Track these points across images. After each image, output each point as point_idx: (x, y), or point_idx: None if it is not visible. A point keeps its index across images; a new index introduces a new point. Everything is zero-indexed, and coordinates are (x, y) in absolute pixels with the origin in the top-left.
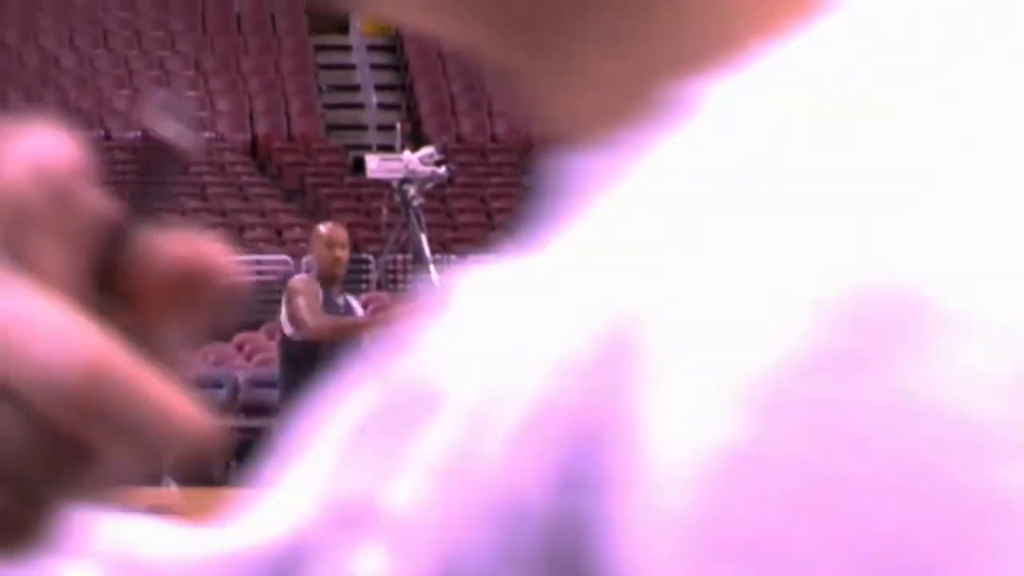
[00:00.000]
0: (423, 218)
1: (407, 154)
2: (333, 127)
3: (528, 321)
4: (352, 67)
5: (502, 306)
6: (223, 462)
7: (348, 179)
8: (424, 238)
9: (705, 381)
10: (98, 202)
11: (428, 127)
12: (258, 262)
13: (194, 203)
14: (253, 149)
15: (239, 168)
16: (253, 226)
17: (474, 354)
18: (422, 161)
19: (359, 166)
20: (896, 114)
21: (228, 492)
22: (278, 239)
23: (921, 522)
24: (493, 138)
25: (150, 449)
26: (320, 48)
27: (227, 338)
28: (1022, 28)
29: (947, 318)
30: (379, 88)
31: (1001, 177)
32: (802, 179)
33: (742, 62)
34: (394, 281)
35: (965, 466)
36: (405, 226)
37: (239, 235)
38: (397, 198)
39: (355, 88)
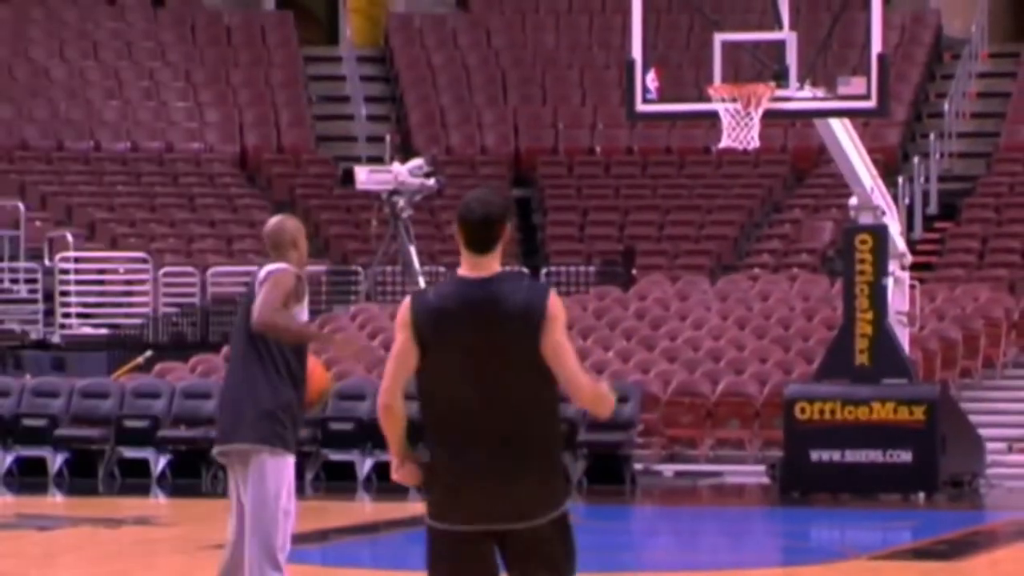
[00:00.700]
0: (412, 230)
1: (396, 166)
2: (323, 138)
3: None
4: (342, 78)
5: None
6: (211, 474)
7: (337, 191)
8: (413, 249)
9: None
10: None
11: (417, 139)
12: (246, 274)
13: (183, 214)
14: (242, 161)
15: (228, 179)
16: (242, 237)
17: None
18: (411, 173)
19: (348, 178)
20: None
21: (215, 503)
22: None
23: None
24: (482, 150)
25: None
26: (310, 59)
27: (216, 349)
28: None
29: None
30: (369, 100)
31: None
32: None
33: None
34: (383, 293)
35: None
36: (394, 237)
37: (228, 246)
38: (386, 210)
39: (345, 100)
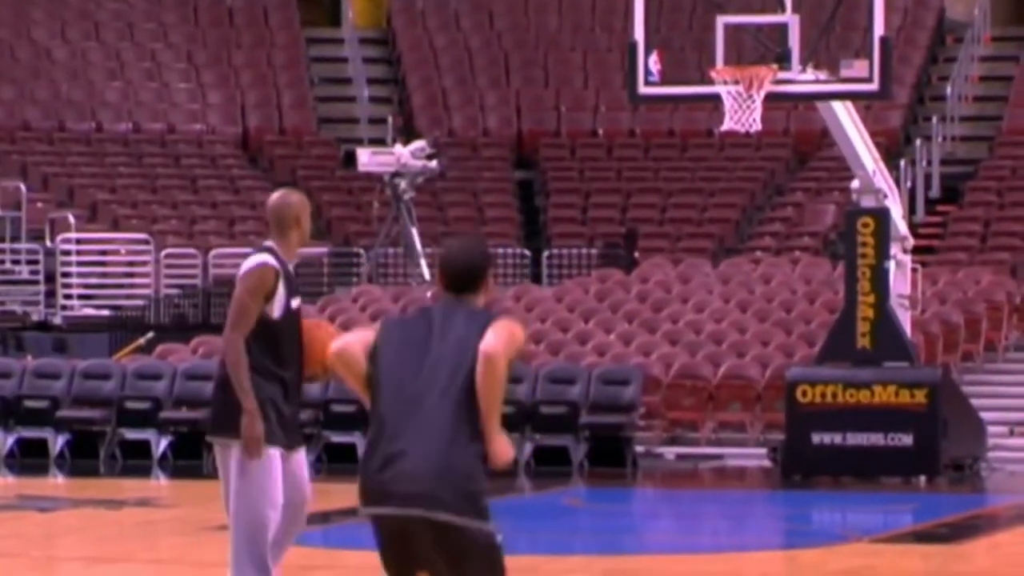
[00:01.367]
0: (414, 212)
1: (399, 148)
2: (325, 120)
3: None
4: (344, 60)
5: None
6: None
7: (339, 172)
8: (415, 232)
9: None
10: None
11: (420, 121)
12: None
13: (185, 196)
14: (244, 142)
15: (230, 161)
16: (244, 219)
17: None
18: (413, 155)
19: (350, 160)
20: None
21: (216, 484)
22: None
23: None
24: (485, 132)
25: None
26: (312, 41)
27: (219, 330)
28: None
29: None
30: (371, 81)
31: None
32: None
33: None
34: (385, 275)
35: None
36: (396, 219)
37: (230, 228)
38: (388, 192)
39: (347, 81)
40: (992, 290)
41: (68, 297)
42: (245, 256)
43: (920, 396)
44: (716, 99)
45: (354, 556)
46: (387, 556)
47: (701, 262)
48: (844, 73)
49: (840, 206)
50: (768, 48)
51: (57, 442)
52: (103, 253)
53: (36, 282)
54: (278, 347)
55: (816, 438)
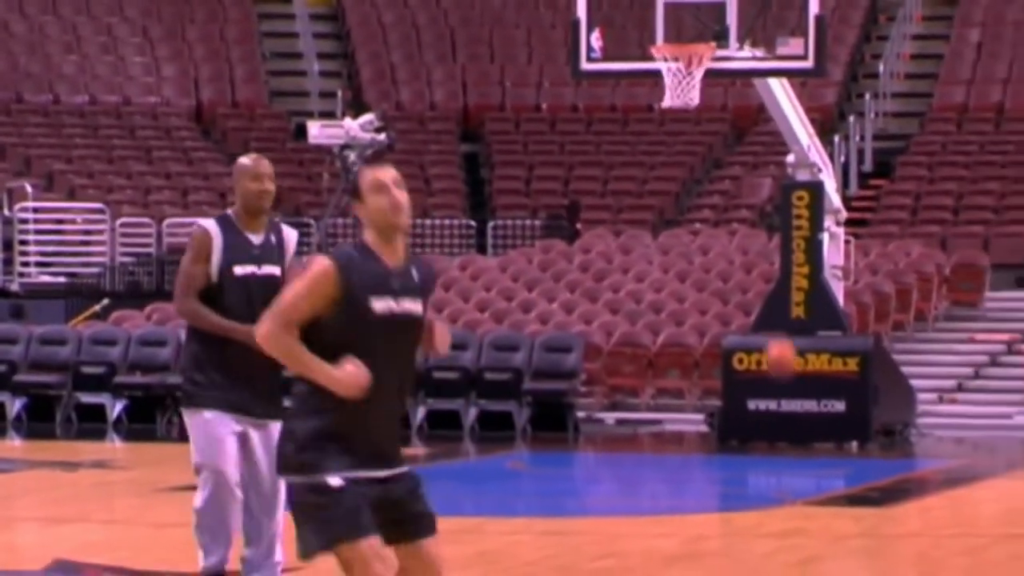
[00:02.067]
0: None
1: (348, 121)
2: (276, 94)
3: None
4: (295, 35)
5: None
6: (166, 419)
7: (291, 144)
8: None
9: None
10: None
11: (369, 95)
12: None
13: (140, 167)
14: (198, 114)
15: (184, 133)
16: (197, 189)
17: None
18: (363, 128)
19: (301, 132)
20: None
21: (170, 447)
22: (221, 202)
23: None
24: (432, 106)
25: None
26: (264, 16)
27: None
28: None
29: None
30: (321, 56)
31: None
32: None
33: None
34: (334, 244)
35: None
36: (345, 191)
37: (183, 197)
38: (338, 163)
39: (298, 56)
40: (922, 262)
41: (25, 264)
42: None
43: (852, 364)
44: (656, 75)
45: None
46: None
47: (641, 233)
48: (780, 51)
49: (776, 180)
50: (706, 26)
51: (14, 405)
52: (59, 222)
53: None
54: (219, 311)
55: (752, 404)
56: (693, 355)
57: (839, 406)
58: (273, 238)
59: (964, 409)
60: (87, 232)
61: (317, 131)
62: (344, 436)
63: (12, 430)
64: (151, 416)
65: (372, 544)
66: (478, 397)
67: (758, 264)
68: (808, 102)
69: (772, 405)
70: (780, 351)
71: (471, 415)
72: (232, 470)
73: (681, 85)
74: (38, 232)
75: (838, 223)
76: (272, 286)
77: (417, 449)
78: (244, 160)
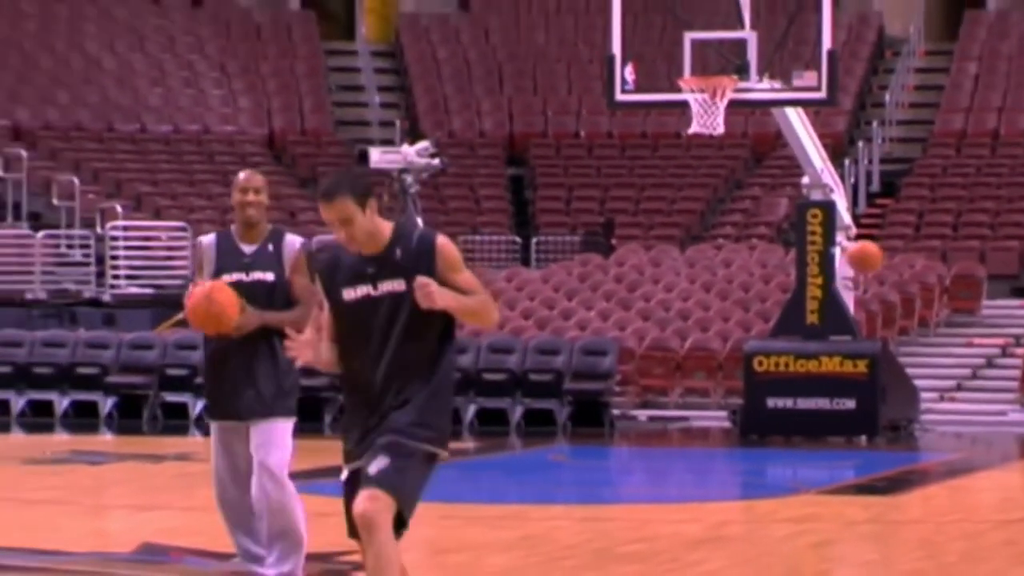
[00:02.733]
0: (419, 203)
1: (405, 147)
2: (341, 123)
3: None
4: (358, 70)
5: None
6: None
7: (354, 169)
8: (420, 221)
9: None
10: None
11: (424, 124)
12: None
13: (218, 189)
14: (270, 142)
15: (257, 158)
16: (269, 209)
17: None
18: (418, 154)
19: (363, 157)
20: None
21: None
22: (291, 221)
23: None
24: (481, 134)
25: None
26: (330, 53)
27: None
28: None
29: None
30: (381, 89)
31: None
32: None
33: None
34: None
35: None
36: (403, 210)
37: None
38: (396, 186)
39: (360, 89)
40: (925, 273)
41: (116, 277)
42: None
43: (862, 366)
44: (684, 105)
45: None
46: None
47: (670, 248)
48: (796, 82)
49: (792, 199)
50: (729, 60)
51: (106, 404)
52: (146, 239)
53: (88, 264)
54: None
55: (770, 402)
56: (717, 358)
57: (849, 404)
58: (271, 246)
59: (963, 407)
60: (171, 248)
61: (377, 157)
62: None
63: (104, 426)
64: None
65: None
66: (523, 396)
67: (776, 276)
68: (821, 129)
69: (789, 403)
70: (863, 249)
71: (517, 413)
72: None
73: (706, 114)
74: (127, 248)
75: (848, 238)
76: (260, 291)
77: (467, 443)
78: (238, 175)
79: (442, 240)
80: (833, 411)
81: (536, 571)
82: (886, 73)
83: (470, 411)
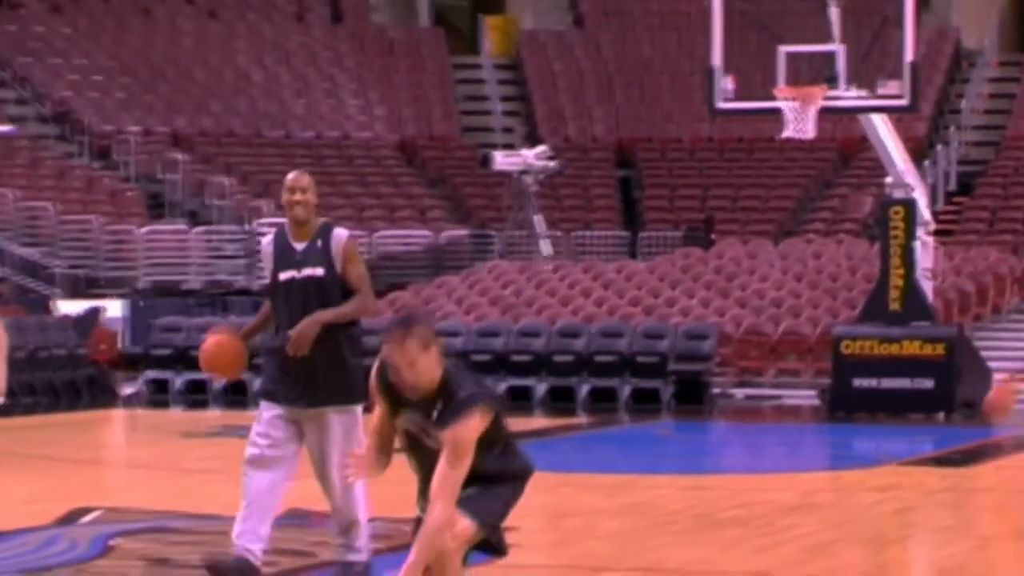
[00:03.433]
0: (537, 202)
1: (525, 151)
2: (466, 129)
3: None
4: (482, 82)
5: None
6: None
7: (478, 171)
8: (537, 218)
9: None
10: None
11: (542, 130)
12: (406, 236)
13: (356, 189)
14: (402, 146)
15: (391, 162)
16: (402, 207)
17: None
18: (537, 157)
19: (487, 160)
20: None
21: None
22: (422, 218)
23: None
24: (593, 139)
25: None
26: (457, 67)
27: (381, 296)
28: None
29: None
30: (503, 98)
31: None
32: None
33: None
34: (512, 252)
35: None
36: (522, 208)
37: (391, 214)
38: (517, 186)
39: (484, 98)
40: (997, 265)
41: (263, 269)
42: (404, 236)
43: (939, 349)
44: (778, 112)
45: None
46: None
47: (765, 242)
48: (880, 91)
49: (876, 197)
50: (819, 71)
51: (255, 383)
52: None
53: (239, 257)
54: (273, 311)
55: (856, 382)
56: (807, 342)
57: (928, 383)
58: (319, 243)
59: None
60: None
61: (500, 159)
62: None
63: (252, 404)
64: None
65: None
66: (631, 376)
67: (861, 267)
68: (903, 133)
69: (873, 383)
70: (999, 393)
71: (625, 391)
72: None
73: (798, 120)
74: None
75: (928, 233)
76: (311, 287)
77: (581, 419)
78: (287, 176)
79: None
80: (913, 390)
81: (644, 534)
82: (962, 82)
83: (583, 390)
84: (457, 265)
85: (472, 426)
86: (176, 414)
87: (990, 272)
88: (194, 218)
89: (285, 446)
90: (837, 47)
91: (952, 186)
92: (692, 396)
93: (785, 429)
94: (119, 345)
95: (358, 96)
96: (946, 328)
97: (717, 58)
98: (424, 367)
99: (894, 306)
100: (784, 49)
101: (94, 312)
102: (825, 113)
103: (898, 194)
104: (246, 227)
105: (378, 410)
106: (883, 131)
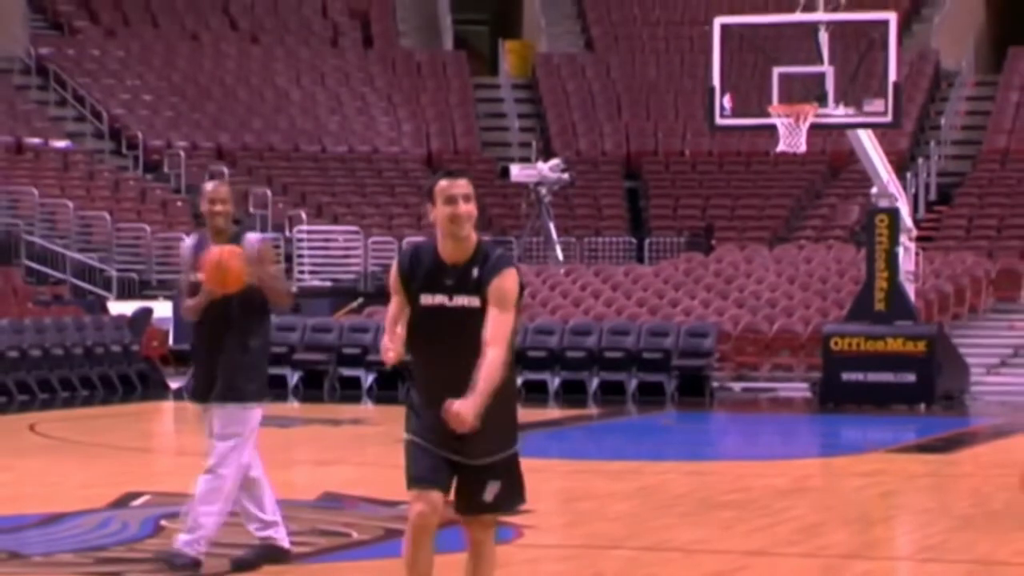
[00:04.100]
0: (551, 211)
1: (540, 164)
2: (486, 144)
3: None
4: (501, 100)
5: None
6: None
7: (497, 182)
8: (552, 225)
9: None
10: None
11: (556, 144)
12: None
13: (385, 199)
14: (428, 159)
15: (418, 174)
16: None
17: None
18: (551, 169)
19: (505, 172)
20: None
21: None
22: None
23: None
24: (603, 153)
25: None
26: (478, 87)
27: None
28: None
29: None
30: (520, 116)
31: None
32: None
33: None
34: (530, 257)
35: None
36: (538, 216)
37: (417, 221)
38: (533, 196)
39: (503, 116)
40: (974, 268)
41: (300, 272)
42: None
43: (921, 345)
44: (772, 128)
45: None
46: None
47: (761, 247)
48: (866, 108)
49: (863, 206)
50: (810, 90)
51: (293, 378)
52: (326, 240)
53: (278, 261)
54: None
55: (844, 376)
56: (800, 339)
57: (911, 377)
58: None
59: (1006, 380)
60: (346, 248)
61: (517, 172)
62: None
63: (292, 396)
64: (395, 385)
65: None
66: (637, 371)
67: (849, 271)
68: (887, 147)
69: (860, 377)
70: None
71: (632, 384)
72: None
73: (791, 135)
74: (310, 248)
75: (910, 239)
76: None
77: (592, 410)
78: (205, 186)
79: (511, 272)
80: (897, 383)
81: (651, 516)
82: (942, 101)
83: (594, 384)
84: None
85: (514, 278)
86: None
87: (967, 275)
88: (237, 226)
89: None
90: (827, 68)
91: (932, 196)
92: (694, 389)
93: (779, 419)
94: (169, 342)
95: (387, 114)
96: (927, 327)
97: (716, 78)
98: (474, 208)
99: (879, 306)
100: (778, 70)
101: (146, 312)
102: (816, 129)
103: (883, 203)
104: (286, 234)
105: (394, 304)
106: (868, 146)
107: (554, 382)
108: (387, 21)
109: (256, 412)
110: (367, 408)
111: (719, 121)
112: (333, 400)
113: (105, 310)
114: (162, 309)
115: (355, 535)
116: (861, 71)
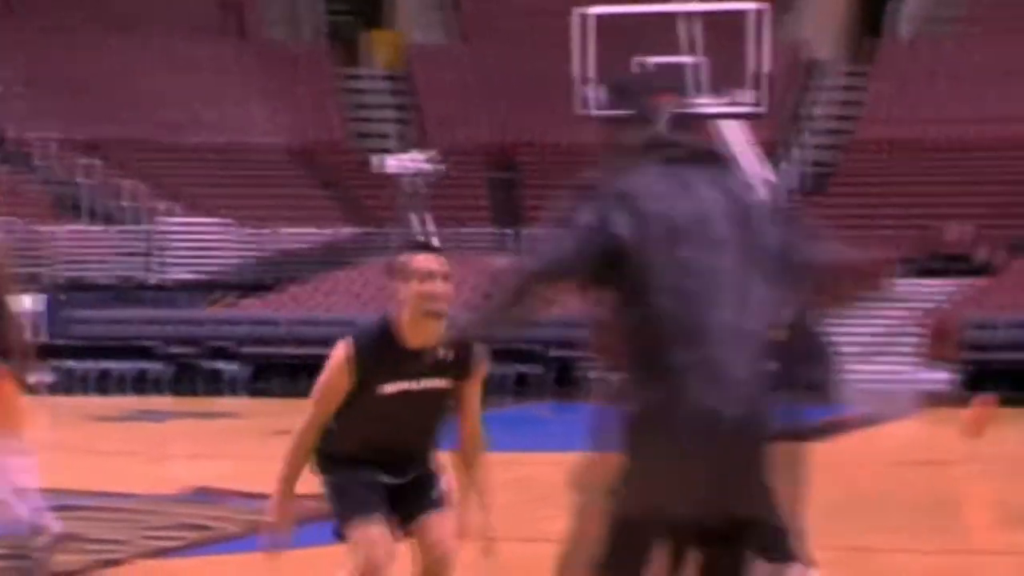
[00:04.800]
0: (425, 202)
1: (414, 155)
2: (361, 135)
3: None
4: (376, 91)
5: None
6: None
7: (369, 173)
8: (425, 217)
9: None
10: None
11: (431, 136)
12: (302, 234)
13: (257, 191)
14: (298, 151)
15: (287, 166)
16: (298, 207)
17: None
18: (425, 161)
19: (377, 164)
20: None
21: (280, 402)
22: (315, 217)
23: None
24: (478, 144)
25: None
26: (349, 76)
27: (274, 289)
28: None
29: None
30: (396, 107)
31: None
32: None
33: None
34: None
35: None
36: (412, 207)
37: (288, 214)
38: (406, 187)
39: (377, 107)
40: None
41: (166, 264)
42: (300, 235)
43: (782, 334)
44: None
45: None
46: None
47: None
48: (734, 99)
49: None
50: (678, 81)
51: (165, 371)
52: (198, 233)
53: (147, 254)
54: None
55: None
56: None
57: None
58: None
59: (875, 368)
60: (219, 240)
61: (391, 163)
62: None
63: (165, 389)
64: (267, 377)
65: None
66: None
67: None
68: (758, 138)
69: None
70: (976, 412)
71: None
72: None
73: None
74: (181, 241)
75: None
76: None
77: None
78: None
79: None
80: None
81: (527, 508)
82: (815, 90)
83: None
84: (344, 261)
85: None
86: (91, 400)
87: None
88: (107, 219)
89: None
90: (692, 59)
91: (809, 187)
92: (568, 382)
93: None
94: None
95: (247, 103)
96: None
97: (576, 69)
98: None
99: None
100: (637, 60)
101: None
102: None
103: None
104: (154, 226)
105: (309, 425)
106: (734, 137)
107: None
108: (258, 11)
109: None
110: (239, 401)
111: (591, 112)
112: (207, 393)
113: None
114: (28, 303)
115: (227, 528)
116: (730, 62)
